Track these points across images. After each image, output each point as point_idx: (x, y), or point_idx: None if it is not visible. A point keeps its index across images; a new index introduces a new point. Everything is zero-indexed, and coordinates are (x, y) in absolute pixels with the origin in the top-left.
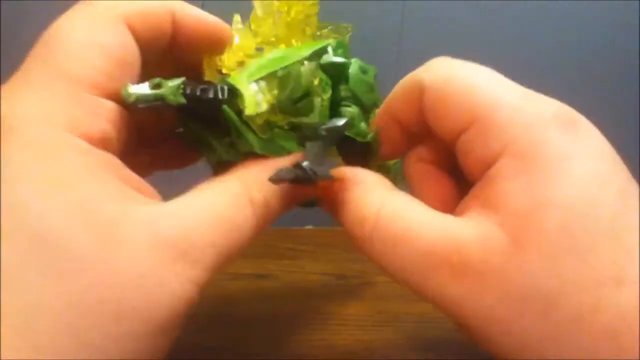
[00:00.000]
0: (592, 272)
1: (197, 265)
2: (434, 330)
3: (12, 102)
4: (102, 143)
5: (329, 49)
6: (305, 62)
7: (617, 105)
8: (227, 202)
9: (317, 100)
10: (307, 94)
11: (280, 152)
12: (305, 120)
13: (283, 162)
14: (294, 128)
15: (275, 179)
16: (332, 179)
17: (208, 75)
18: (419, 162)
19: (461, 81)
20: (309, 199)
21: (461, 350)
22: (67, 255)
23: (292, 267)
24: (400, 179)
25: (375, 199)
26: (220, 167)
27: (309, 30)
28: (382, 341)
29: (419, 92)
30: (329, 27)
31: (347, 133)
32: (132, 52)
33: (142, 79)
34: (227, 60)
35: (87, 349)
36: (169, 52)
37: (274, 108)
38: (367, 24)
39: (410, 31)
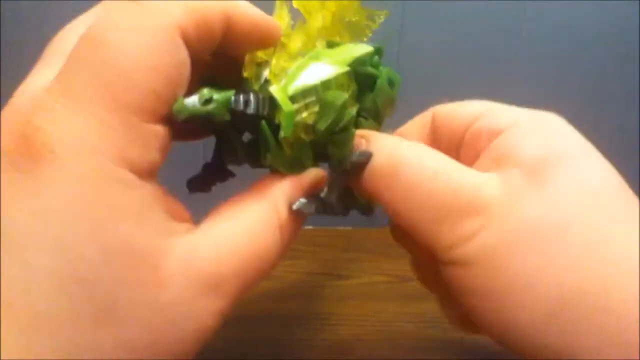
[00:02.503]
0: (602, 209)
1: (226, 298)
2: (434, 330)
3: (54, 121)
4: (151, 174)
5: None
6: (346, 94)
7: (618, 105)
8: (259, 228)
9: (352, 132)
10: (346, 127)
11: (301, 170)
12: (336, 151)
13: (306, 180)
14: (313, 142)
15: (296, 211)
16: (345, 215)
17: (248, 70)
18: None
19: (469, 101)
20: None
21: (461, 351)
22: (108, 299)
23: (292, 267)
24: None
25: (402, 144)
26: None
27: (347, 17)
28: (382, 341)
29: (428, 118)
30: (366, 14)
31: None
32: (186, 67)
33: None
34: (274, 66)
35: None
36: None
37: (308, 128)
38: None
39: (410, 31)
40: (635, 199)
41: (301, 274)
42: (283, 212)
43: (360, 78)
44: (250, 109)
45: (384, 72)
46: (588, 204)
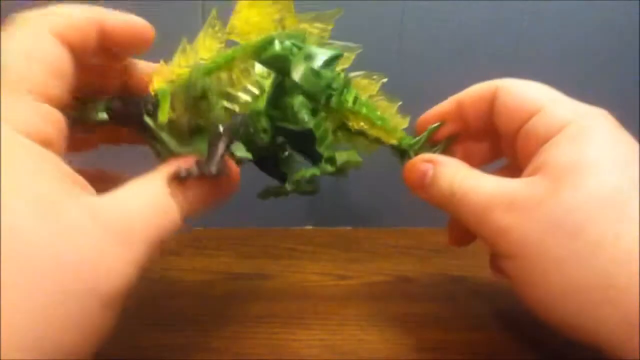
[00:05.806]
0: (615, 209)
1: (137, 248)
2: (435, 330)
3: None
4: (46, 143)
5: (276, 42)
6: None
7: (618, 105)
8: (155, 192)
9: (214, 99)
10: (204, 95)
11: (197, 152)
12: (202, 121)
13: (191, 160)
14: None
15: (178, 177)
16: (226, 175)
17: (156, 83)
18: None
19: (532, 84)
20: (229, 190)
21: (462, 351)
22: (22, 241)
23: (292, 267)
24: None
25: (457, 174)
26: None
27: (288, 23)
28: (382, 341)
29: (492, 92)
30: (311, 16)
31: (291, 125)
32: (66, 60)
33: (76, 81)
34: (179, 64)
35: (38, 321)
36: (98, 56)
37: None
38: (367, 24)
39: (410, 31)
40: None
41: (301, 274)
42: (170, 181)
43: (274, 63)
44: (133, 109)
45: (301, 49)
46: (602, 206)
